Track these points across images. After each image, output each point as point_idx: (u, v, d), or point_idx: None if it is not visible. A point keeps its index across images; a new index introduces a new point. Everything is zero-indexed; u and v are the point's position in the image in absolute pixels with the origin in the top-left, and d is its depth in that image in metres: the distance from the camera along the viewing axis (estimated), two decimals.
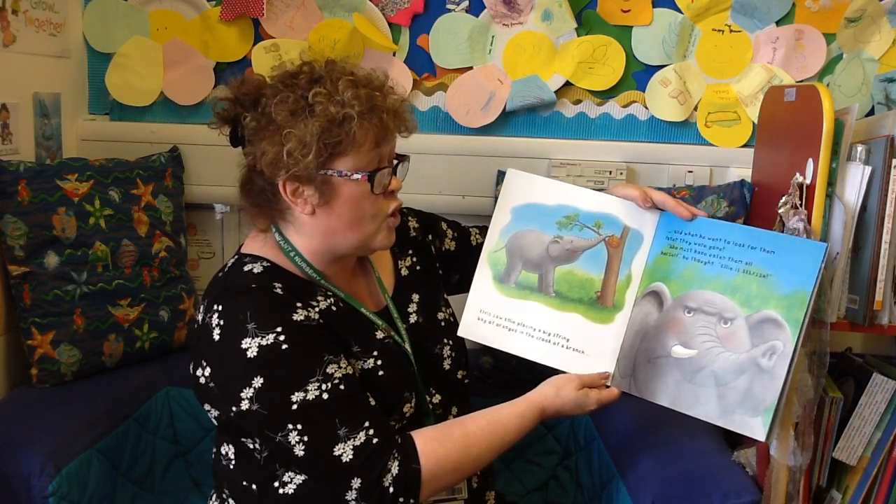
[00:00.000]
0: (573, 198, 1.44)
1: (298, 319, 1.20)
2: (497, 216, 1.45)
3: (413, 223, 1.50)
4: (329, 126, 1.18)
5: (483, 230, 1.55)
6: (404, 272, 1.44)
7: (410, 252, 1.47)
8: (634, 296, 1.38)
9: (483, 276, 1.43)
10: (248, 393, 1.16)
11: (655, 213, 1.41)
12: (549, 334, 1.39)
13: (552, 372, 1.36)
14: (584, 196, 1.44)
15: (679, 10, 1.93)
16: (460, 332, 1.41)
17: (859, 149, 1.45)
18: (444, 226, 1.56)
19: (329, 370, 1.18)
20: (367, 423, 1.17)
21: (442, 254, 1.53)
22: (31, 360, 1.62)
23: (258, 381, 1.16)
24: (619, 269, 1.39)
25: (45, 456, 1.40)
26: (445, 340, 1.41)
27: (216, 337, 1.19)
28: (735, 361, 1.26)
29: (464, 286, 1.49)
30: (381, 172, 1.23)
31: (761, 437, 1.23)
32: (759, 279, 1.28)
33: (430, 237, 1.52)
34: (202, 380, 1.23)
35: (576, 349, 1.37)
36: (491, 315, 1.41)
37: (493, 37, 1.97)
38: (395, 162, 1.29)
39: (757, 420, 1.23)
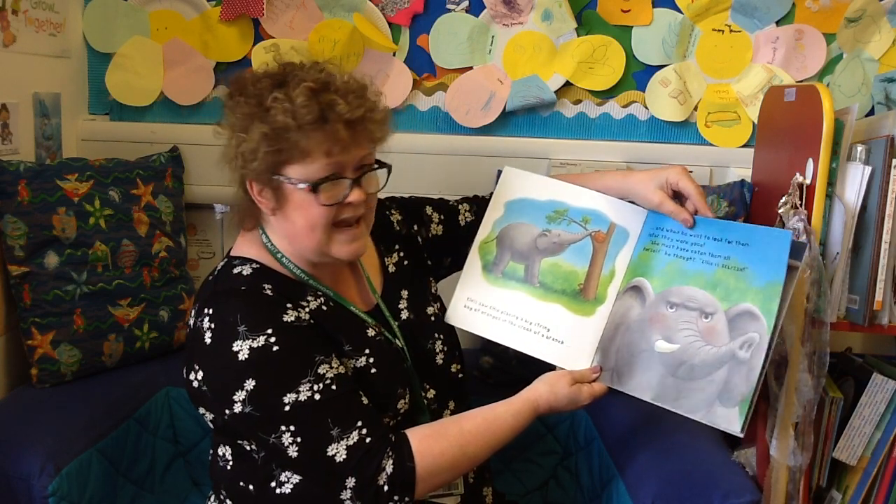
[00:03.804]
0: (564, 194, 1.48)
1: (289, 320, 1.20)
2: (491, 209, 1.49)
3: (396, 216, 1.49)
4: (273, 134, 1.17)
5: (473, 203, 1.56)
6: (391, 269, 1.43)
7: (397, 247, 1.46)
8: (617, 291, 1.39)
9: (473, 266, 1.47)
10: (240, 395, 1.16)
11: (643, 212, 1.42)
12: (531, 323, 1.40)
13: (551, 370, 1.36)
14: (574, 192, 1.47)
15: (679, 10, 1.93)
16: (447, 319, 1.43)
17: (859, 149, 1.45)
18: (430, 210, 1.54)
19: (321, 371, 1.18)
20: (359, 423, 1.18)
21: (429, 241, 1.52)
22: (31, 360, 1.62)
23: (250, 384, 1.16)
24: (604, 264, 1.42)
25: (45, 456, 1.40)
26: (437, 335, 1.41)
27: (207, 340, 1.19)
28: (715, 355, 1.27)
29: (458, 265, 1.50)
30: (329, 183, 1.20)
31: (736, 428, 1.22)
32: (737, 273, 1.30)
33: (415, 227, 1.51)
34: (195, 383, 1.23)
35: (555, 339, 1.39)
36: (477, 303, 1.44)
37: (493, 37, 1.97)
38: (368, 170, 1.25)
39: (733, 411, 1.23)
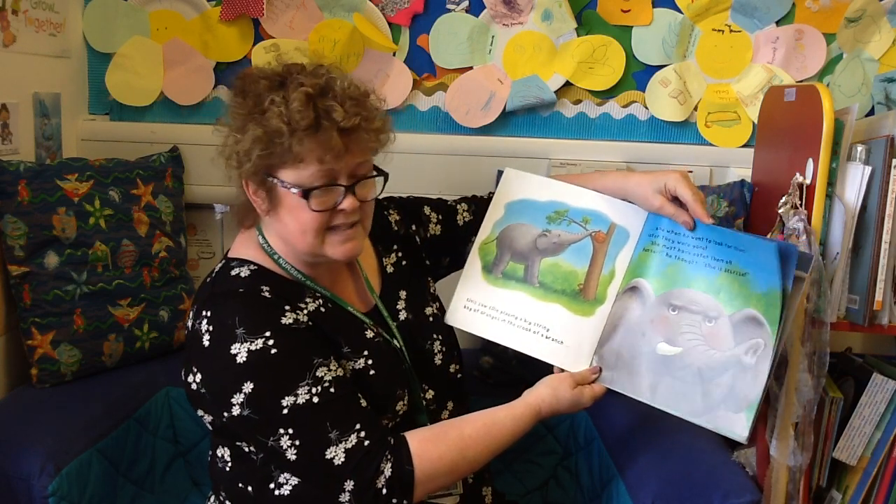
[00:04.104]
0: (564, 194, 1.48)
1: (287, 323, 1.20)
2: (492, 211, 1.49)
3: (394, 216, 1.48)
4: (266, 137, 1.17)
5: (471, 203, 1.56)
6: (390, 269, 1.43)
7: (395, 248, 1.46)
8: (616, 291, 1.39)
9: (473, 266, 1.47)
10: (238, 398, 1.16)
11: (643, 213, 1.42)
12: (530, 323, 1.40)
13: (552, 371, 1.36)
14: (574, 193, 1.47)
15: (679, 10, 1.93)
16: (447, 320, 1.43)
17: (859, 149, 1.45)
18: (428, 210, 1.53)
19: (319, 373, 1.18)
20: (358, 426, 1.17)
21: (427, 241, 1.51)
22: (31, 360, 1.62)
23: (248, 387, 1.16)
24: (603, 264, 1.42)
25: (45, 456, 1.40)
26: (435, 335, 1.41)
27: (206, 343, 1.19)
28: (719, 359, 1.27)
29: (456, 265, 1.50)
30: (320, 190, 1.20)
31: (743, 433, 1.22)
32: (740, 278, 1.29)
33: (413, 227, 1.50)
34: (194, 386, 1.23)
35: (555, 339, 1.39)
36: (476, 303, 1.44)
37: (493, 37, 1.97)
38: (364, 178, 1.25)
39: (740, 416, 1.23)
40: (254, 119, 1.19)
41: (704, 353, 1.28)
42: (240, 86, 1.25)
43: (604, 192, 1.46)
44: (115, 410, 1.61)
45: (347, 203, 1.22)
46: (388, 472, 1.16)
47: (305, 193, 1.19)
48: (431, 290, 1.49)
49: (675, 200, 1.38)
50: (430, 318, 1.43)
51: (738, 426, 1.23)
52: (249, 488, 1.27)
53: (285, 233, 1.25)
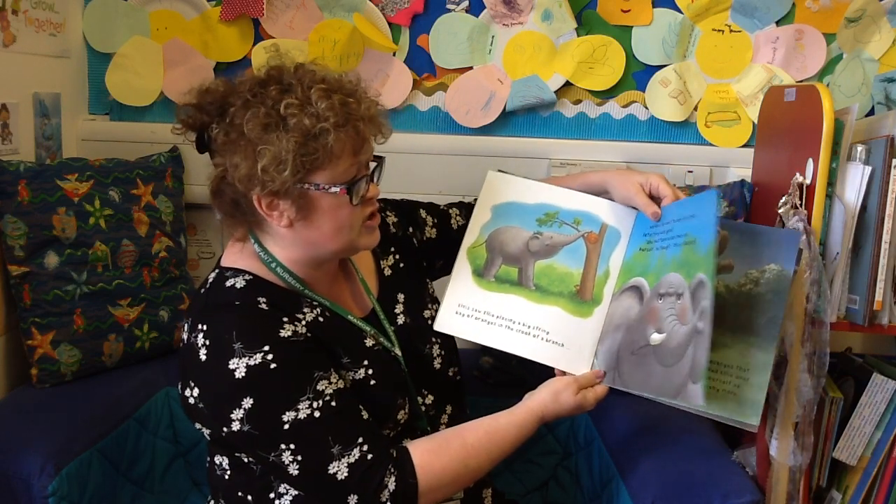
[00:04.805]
0: (553, 196, 1.47)
1: (286, 336, 1.17)
2: (477, 214, 1.48)
3: (392, 218, 1.47)
4: (305, 141, 1.13)
5: (462, 208, 1.56)
6: (387, 272, 1.42)
7: (392, 250, 1.44)
8: (612, 291, 1.39)
9: (462, 271, 1.44)
10: (238, 414, 1.14)
11: (633, 212, 1.43)
12: (529, 327, 1.39)
13: (552, 372, 1.36)
14: (563, 195, 1.47)
15: (679, 10, 1.93)
16: (437, 327, 1.39)
17: (859, 149, 1.44)
18: (424, 213, 1.52)
19: (319, 387, 1.16)
20: (360, 439, 1.16)
21: (424, 243, 1.50)
22: (31, 360, 1.62)
23: (248, 402, 1.14)
24: (598, 265, 1.41)
25: (45, 456, 1.40)
26: (434, 339, 1.39)
27: (202, 357, 1.16)
28: (685, 333, 1.24)
29: (449, 269, 1.48)
30: (359, 183, 1.20)
31: (700, 401, 1.17)
32: (692, 246, 1.28)
33: (410, 229, 1.49)
34: (191, 400, 1.20)
35: (555, 342, 1.37)
36: (469, 308, 1.41)
37: (493, 37, 1.97)
38: (372, 167, 1.26)
39: (697, 386, 1.18)
40: (276, 127, 1.14)
41: (678, 330, 1.26)
42: (228, 100, 1.19)
43: (586, 189, 1.47)
44: (115, 410, 1.61)
45: (373, 190, 1.24)
46: (391, 485, 1.15)
47: (349, 189, 1.19)
48: (430, 292, 1.47)
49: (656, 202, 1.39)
50: (429, 322, 1.41)
51: (698, 397, 1.18)
52: (249, 497, 1.25)
53: (316, 237, 1.22)
